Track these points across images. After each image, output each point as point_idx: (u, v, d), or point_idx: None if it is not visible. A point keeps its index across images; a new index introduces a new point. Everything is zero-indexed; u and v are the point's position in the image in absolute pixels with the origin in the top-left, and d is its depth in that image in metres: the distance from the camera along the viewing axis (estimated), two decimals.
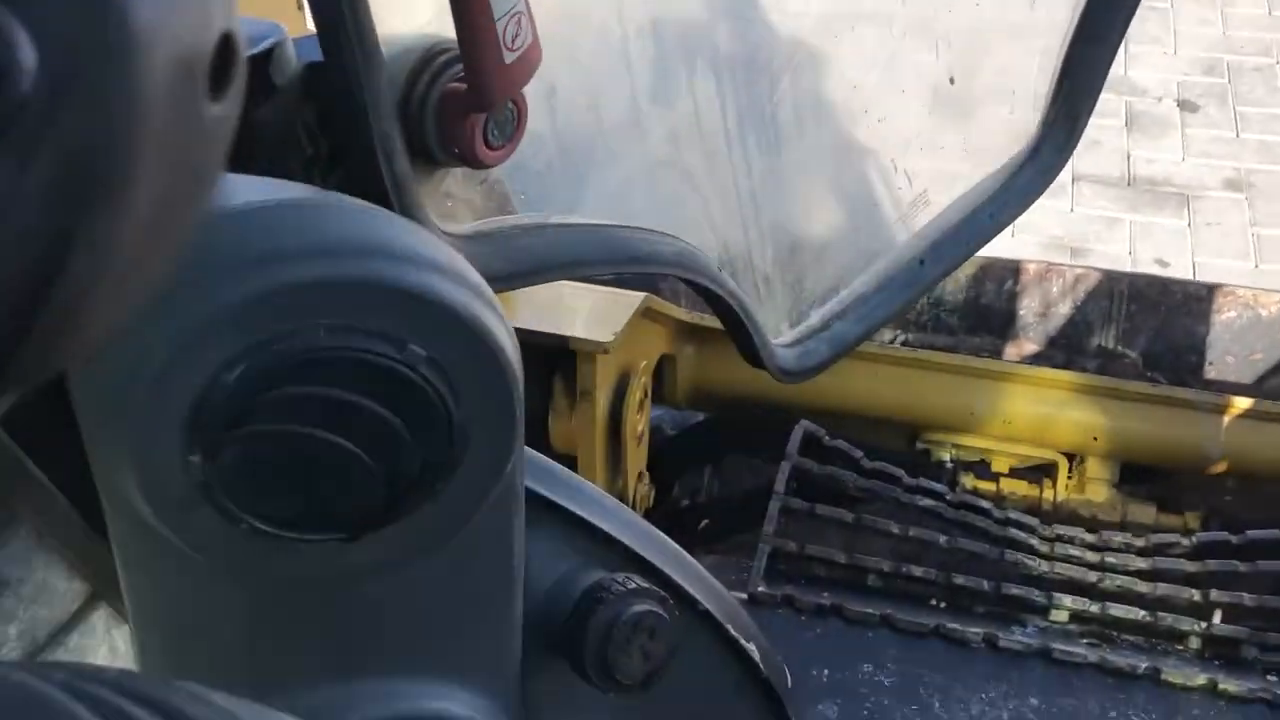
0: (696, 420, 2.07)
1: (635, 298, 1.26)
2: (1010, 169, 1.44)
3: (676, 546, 0.88)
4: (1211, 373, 2.49)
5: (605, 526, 0.81)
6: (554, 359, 1.23)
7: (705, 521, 2.02)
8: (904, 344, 2.39)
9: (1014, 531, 1.42)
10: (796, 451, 1.51)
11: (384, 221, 0.58)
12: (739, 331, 1.38)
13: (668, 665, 0.77)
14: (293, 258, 0.53)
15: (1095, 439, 1.79)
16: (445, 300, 0.55)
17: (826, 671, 1.24)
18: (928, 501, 1.45)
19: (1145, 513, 1.80)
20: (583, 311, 1.24)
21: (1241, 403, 1.78)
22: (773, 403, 1.94)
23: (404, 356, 0.53)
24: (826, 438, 1.54)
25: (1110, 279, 2.75)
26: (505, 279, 0.97)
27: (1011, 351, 2.70)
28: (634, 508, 1.43)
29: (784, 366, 1.51)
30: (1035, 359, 2.50)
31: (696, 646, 0.90)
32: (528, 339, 1.21)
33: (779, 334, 1.55)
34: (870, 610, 1.30)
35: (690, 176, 1.32)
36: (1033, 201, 1.51)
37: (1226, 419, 1.77)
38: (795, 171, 1.52)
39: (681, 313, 1.65)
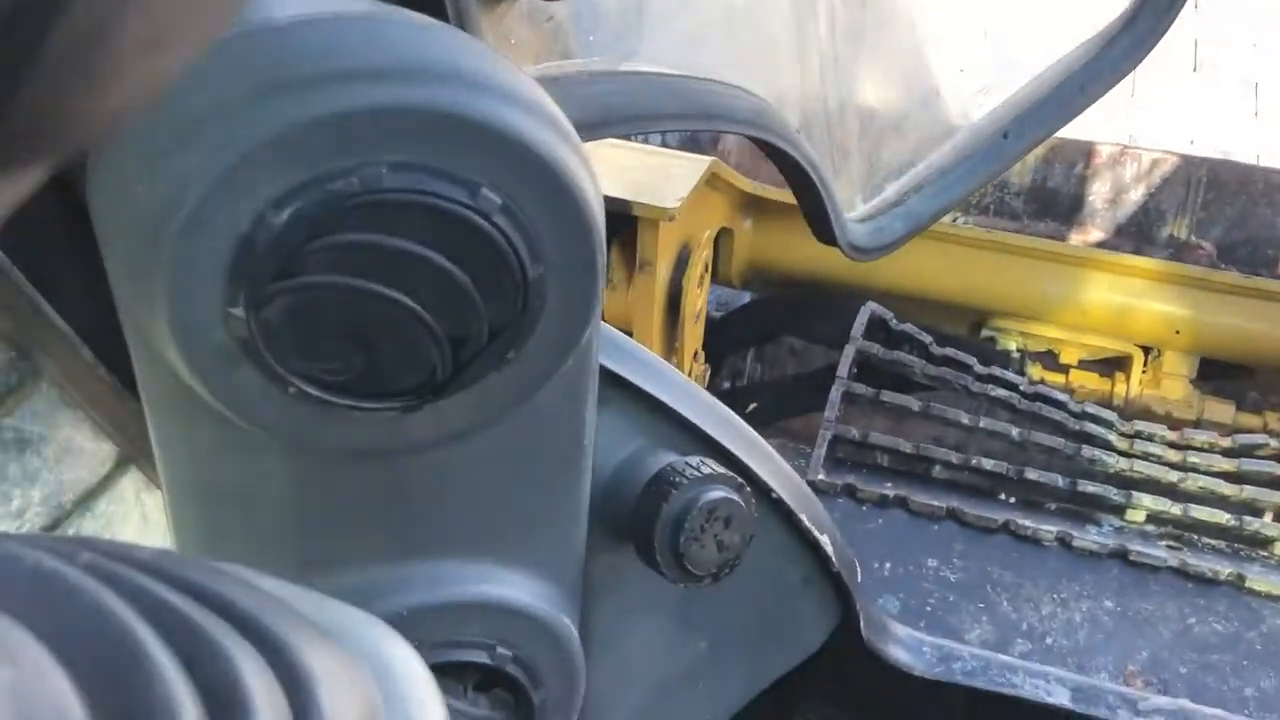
0: (744, 302, 2.01)
1: (702, 162, 1.18)
2: (1104, 38, 1.33)
3: (751, 431, 0.82)
4: None
5: (678, 406, 0.75)
6: (611, 226, 1.16)
7: (753, 405, 1.97)
8: (965, 226, 2.30)
9: (1091, 426, 1.36)
10: (861, 335, 1.44)
11: (460, 43, 0.51)
12: (812, 202, 1.30)
13: (742, 557, 0.72)
14: (353, 79, 0.46)
15: (1177, 332, 1.71)
16: (527, 140, 0.48)
17: (889, 565, 1.20)
18: (1000, 391, 1.38)
19: (1223, 411, 1.73)
20: (645, 174, 1.17)
21: None
22: (831, 283, 1.87)
23: (477, 203, 0.46)
24: (894, 321, 1.47)
25: (1188, 164, 2.63)
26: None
27: (1077, 239, 2.60)
28: None
29: (856, 243, 1.43)
30: (1102, 247, 2.41)
31: (768, 536, 0.85)
32: None
33: (852, 208, 1.47)
34: (936, 503, 1.25)
35: (769, 29, 1.23)
36: (1127, 74, 1.40)
37: None
38: (881, 33, 1.42)
39: (745, 182, 1.57)
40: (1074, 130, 2.92)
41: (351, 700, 0.33)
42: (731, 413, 0.81)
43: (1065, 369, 1.83)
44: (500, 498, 0.61)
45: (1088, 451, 1.32)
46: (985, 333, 1.89)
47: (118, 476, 0.64)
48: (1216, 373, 1.83)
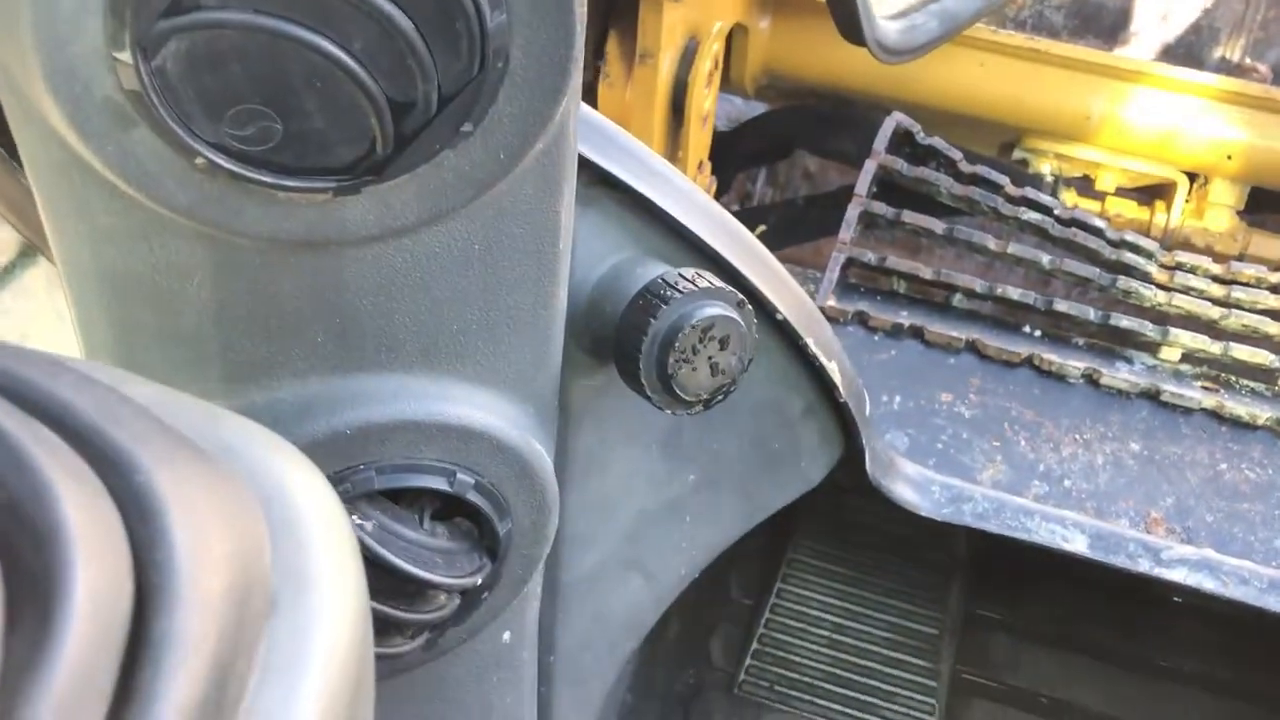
0: (756, 113, 1.90)
1: None
2: None
3: (756, 241, 0.75)
4: None
5: (675, 211, 0.68)
6: (609, 9, 1.06)
7: (763, 228, 1.89)
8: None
9: (1129, 256, 1.28)
10: (885, 149, 1.35)
11: None
12: None
13: (738, 382, 0.66)
14: None
15: (1229, 157, 1.61)
16: None
17: (899, 398, 1.14)
18: (1032, 215, 1.30)
19: (1272, 246, 1.65)
20: None
21: None
22: (854, 93, 1.76)
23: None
24: (921, 135, 1.38)
25: None
26: None
27: (1122, 52, 2.48)
28: None
29: (885, 42, 1.32)
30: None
31: (769, 361, 0.79)
32: None
33: (882, 3, 1.35)
34: (955, 334, 1.19)
35: None
36: None
37: None
38: None
39: None
40: None
41: (219, 533, 0.27)
42: (737, 223, 0.74)
43: (1102, 196, 1.74)
44: (460, 306, 0.54)
45: (1124, 283, 1.25)
46: (1018, 154, 1.80)
47: (21, 269, 0.57)
48: (1266, 204, 1.75)
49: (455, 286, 0.53)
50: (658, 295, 0.63)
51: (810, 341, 0.77)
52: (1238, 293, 1.27)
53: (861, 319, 1.22)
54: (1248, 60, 2.57)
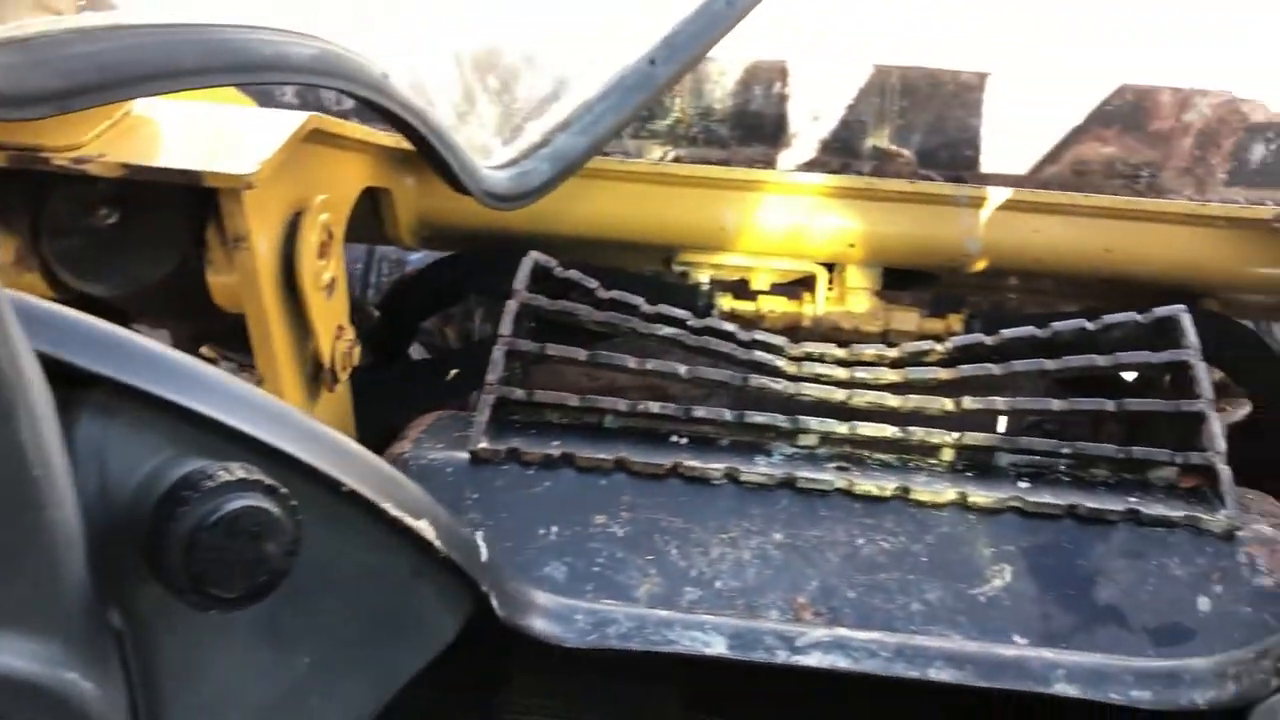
0: (436, 258, 1.93)
1: (294, 118, 1.09)
2: None
3: (314, 423, 0.75)
4: (988, 166, 2.49)
5: (203, 406, 0.67)
6: (204, 199, 1.05)
7: (455, 371, 1.89)
8: (675, 160, 2.29)
9: (759, 354, 1.35)
10: (525, 287, 1.39)
11: None
12: (428, 152, 1.24)
13: (288, 569, 0.66)
14: None
15: (852, 245, 1.74)
16: None
17: (555, 529, 1.16)
18: (668, 330, 1.36)
19: (909, 319, 1.78)
20: (226, 138, 1.07)
21: (999, 194, 1.76)
22: (511, 235, 1.81)
23: None
24: (558, 269, 1.42)
25: (880, 73, 2.69)
26: (51, 98, 0.79)
27: (787, 160, 2.64)
28: (336, 368, 1.29)
29: (495, 191, 1.37)
30: (811, 166, 2.44)
31: (354, 530, 0.78)
32: (159, 177, 1.03)
33: (489, 154, 1.40)
34: (603, 456, 1.22)
35: None
36: None
37: (985, 212, 1.74)
38: None
39: (385, 137, 1.48)
40: (768, 51, 2.92)
41: None
42: (286, 407, 0.74)
43: (755, 295, 1.84)
44: None
45: (756, 380, 1.31)
46: (677, 267, 1.88)
47: None
48: (904, 282, 1.88)
49: None
50: (176, 498, 0.62)
51: (389, 506, 0.77)
52: (861, 373, 1.36)
53: (515, 455, 1.24)
54: (893, 147, 2.79)
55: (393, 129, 1.19)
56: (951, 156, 2.73)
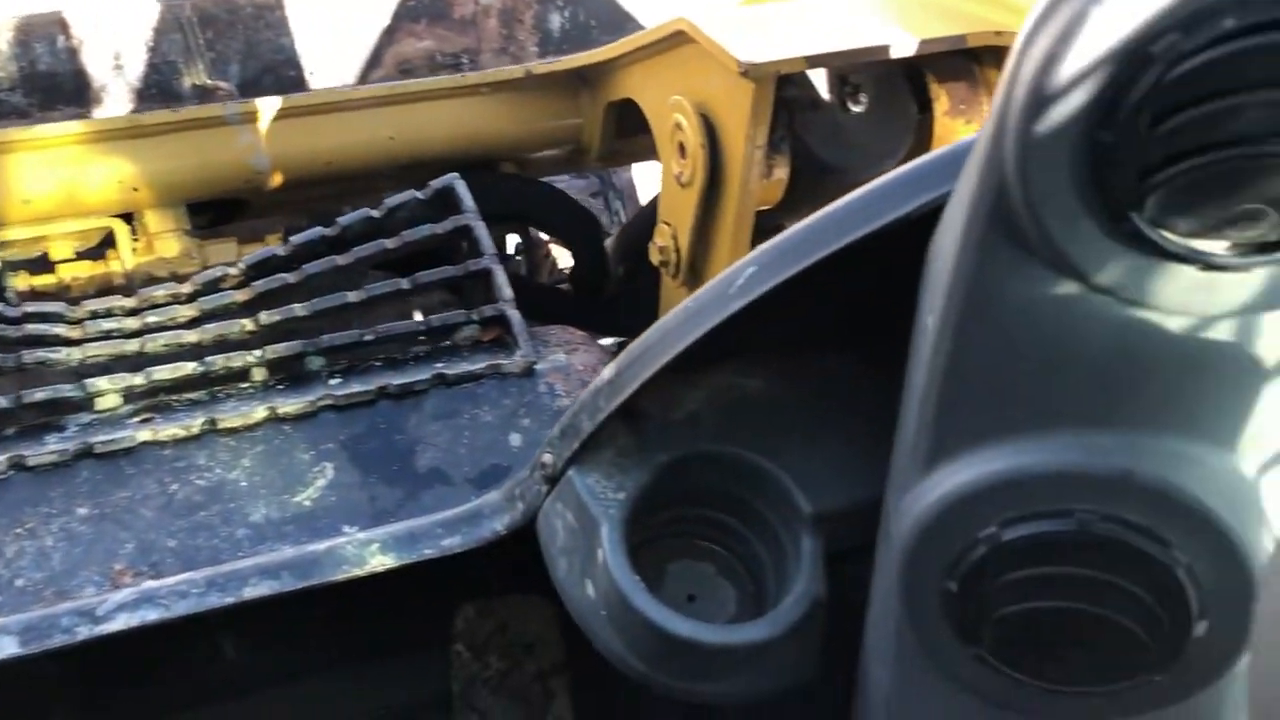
0: None
1: None
2: None
3: None
4: (317, 83, 2.44)
5: None
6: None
7: None
8: None
9: (35, 327, 1.24)
10: None
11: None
12: None
13: None
14: None
15: (136, 189, 1.64)
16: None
17: None
18: None
19: (226, 251, 1.72)
20: None
21: (269, 104, 1.73)
22: None
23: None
24: None
25: (171, 8, 2.54)
26: None
27: (104, 114, 2.43)
28: None
29: None
30: (136, 114, 2.26)
31: None
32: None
33: None
34: None
35: None
36: None
37: (263, 125, 1.71)
38: None
39: None
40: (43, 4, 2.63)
41: None
42: None
43: (54, 266, 1.69)
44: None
45: (33, 356, 1.20)
46: None
47: None
48: (217, 219, 1.81)
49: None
50: None
51: None
52: (154, 317, 1.29)
53: None
54: (211, 82, 2.66)
55: None
56: (276, 80, 2.66)
